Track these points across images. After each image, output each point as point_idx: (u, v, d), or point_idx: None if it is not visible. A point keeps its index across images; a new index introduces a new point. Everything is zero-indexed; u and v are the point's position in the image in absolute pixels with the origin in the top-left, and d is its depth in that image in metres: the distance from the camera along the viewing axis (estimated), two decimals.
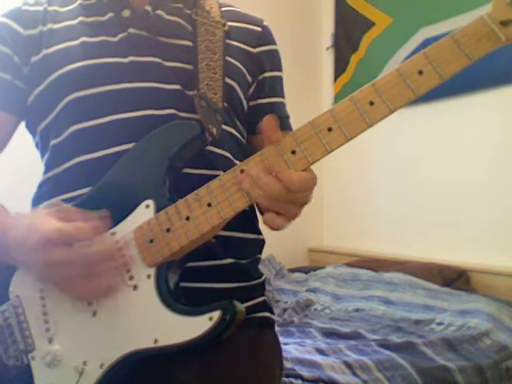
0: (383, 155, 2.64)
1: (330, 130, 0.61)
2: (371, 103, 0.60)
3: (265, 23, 0.94)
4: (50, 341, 0.70)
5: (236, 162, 0.81)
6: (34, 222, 0.67)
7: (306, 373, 1.27)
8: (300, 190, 0.62)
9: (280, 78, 0.95)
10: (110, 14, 0.82)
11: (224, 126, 0.80)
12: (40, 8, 0.85)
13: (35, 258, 0.66)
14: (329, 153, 0.61)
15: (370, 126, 0.60)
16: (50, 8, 0.85)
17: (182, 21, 0.85)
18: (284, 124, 0.93)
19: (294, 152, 0.62)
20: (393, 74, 0.59)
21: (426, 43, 2.32)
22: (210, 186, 0.66)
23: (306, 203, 0.67)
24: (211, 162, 0.78)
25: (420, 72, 0.58)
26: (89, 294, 0.68)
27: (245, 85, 0.87)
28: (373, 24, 2.70)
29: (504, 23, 0.56)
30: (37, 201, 0.83)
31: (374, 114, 0.60)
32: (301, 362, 1.34)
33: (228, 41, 0.86)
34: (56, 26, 0.83)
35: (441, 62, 0.58)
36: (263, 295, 0.86)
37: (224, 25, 0.86)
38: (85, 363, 0.68)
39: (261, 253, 0.87)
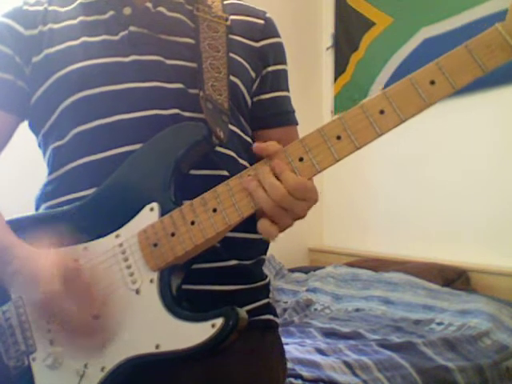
0: (383, 155, 2.63)
1: (338, 138, 0.60)
2: (381, 112, 0.59)
3: (268, 15, 0.91)
4: (52, 342, 0.70)
5: (240, 161, 0.81)
6: (36, 272, 0.66)
7: (306, 373, 1.27)
8: (301, 195, 0.61)
9: (284, 72, 0.92)
10: (111, 12, 0.81)
11: (229, 126, 0.79)
12: (40, 8, 0.84)
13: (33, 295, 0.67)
14: (337, 161, 0.60)
15: (379, 135, 0.59)
16: (50, 8, 0.84)
17: (184, 17, 0.83)
18: (288, 119, 0.92)
19: (301, 159, 0.61)
20: (404, 83, 0.58)
21: (426, 43, 2.36)
22: (217, 190, 0.65)
23: (302, 216, 0.65)
24: (216, 162, 0.77)
25: (432, 82, 0.57)
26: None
27: (248, 81, 0.85)
28: (373, 24, 2.69)
29: None
30: (40, 200, 0.82)
31: (384, 123, 0.59)
32: (301, 361, 1.34)
33: (231, 36, 0.84)
34: (56, 26, 0.82)
35: (453, 72, 0.57)
36: (267, 297, 0.85)
37: (226, 19, 0.85)
38: (86, 366, 0.67)
39: (265, 253, 0.86)
